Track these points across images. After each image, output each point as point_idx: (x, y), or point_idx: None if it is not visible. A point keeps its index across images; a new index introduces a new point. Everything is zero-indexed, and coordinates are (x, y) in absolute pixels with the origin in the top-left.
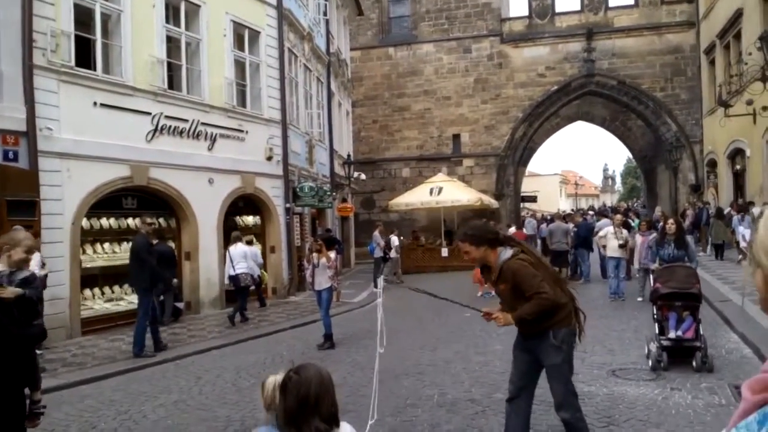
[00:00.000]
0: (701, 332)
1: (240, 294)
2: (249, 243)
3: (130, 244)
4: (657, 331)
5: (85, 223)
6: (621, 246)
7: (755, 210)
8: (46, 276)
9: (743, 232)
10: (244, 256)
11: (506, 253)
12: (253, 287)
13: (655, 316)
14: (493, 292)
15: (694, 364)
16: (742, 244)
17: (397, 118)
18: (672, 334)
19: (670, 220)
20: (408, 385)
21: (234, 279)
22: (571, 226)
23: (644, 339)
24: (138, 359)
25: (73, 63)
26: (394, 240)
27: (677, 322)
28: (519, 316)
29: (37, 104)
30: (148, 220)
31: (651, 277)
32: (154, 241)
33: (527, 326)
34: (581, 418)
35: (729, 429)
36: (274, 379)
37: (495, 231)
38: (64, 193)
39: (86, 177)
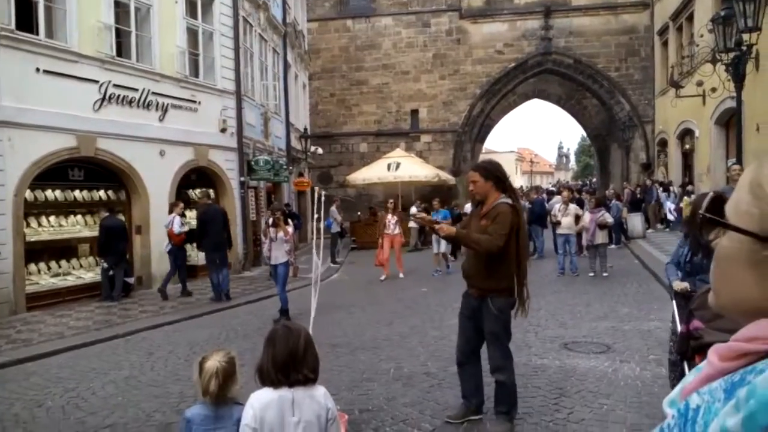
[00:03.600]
0: None
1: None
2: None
3: (200, 210)
4: None
5: (28, 194)
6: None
7: (675, 189)
8: (186, 233)
9: (669, 206)
10: None
11: (505, 201)
12: None
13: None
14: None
15: None
16: (669, 216)
17: (355, 92)
18: None
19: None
20: (364, 360)
21: None
22: (526, 203)
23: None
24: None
25: (13, 26)
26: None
27: None
28: (464, 236)
29: None
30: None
31: (674, 306)
32: (105, 215)
33: (476, 281)
34: (514, 381)
35: (688, 391)
36: (215, 365)
37: (505, 174)
38: (6, 163)
39: (30, 147)
